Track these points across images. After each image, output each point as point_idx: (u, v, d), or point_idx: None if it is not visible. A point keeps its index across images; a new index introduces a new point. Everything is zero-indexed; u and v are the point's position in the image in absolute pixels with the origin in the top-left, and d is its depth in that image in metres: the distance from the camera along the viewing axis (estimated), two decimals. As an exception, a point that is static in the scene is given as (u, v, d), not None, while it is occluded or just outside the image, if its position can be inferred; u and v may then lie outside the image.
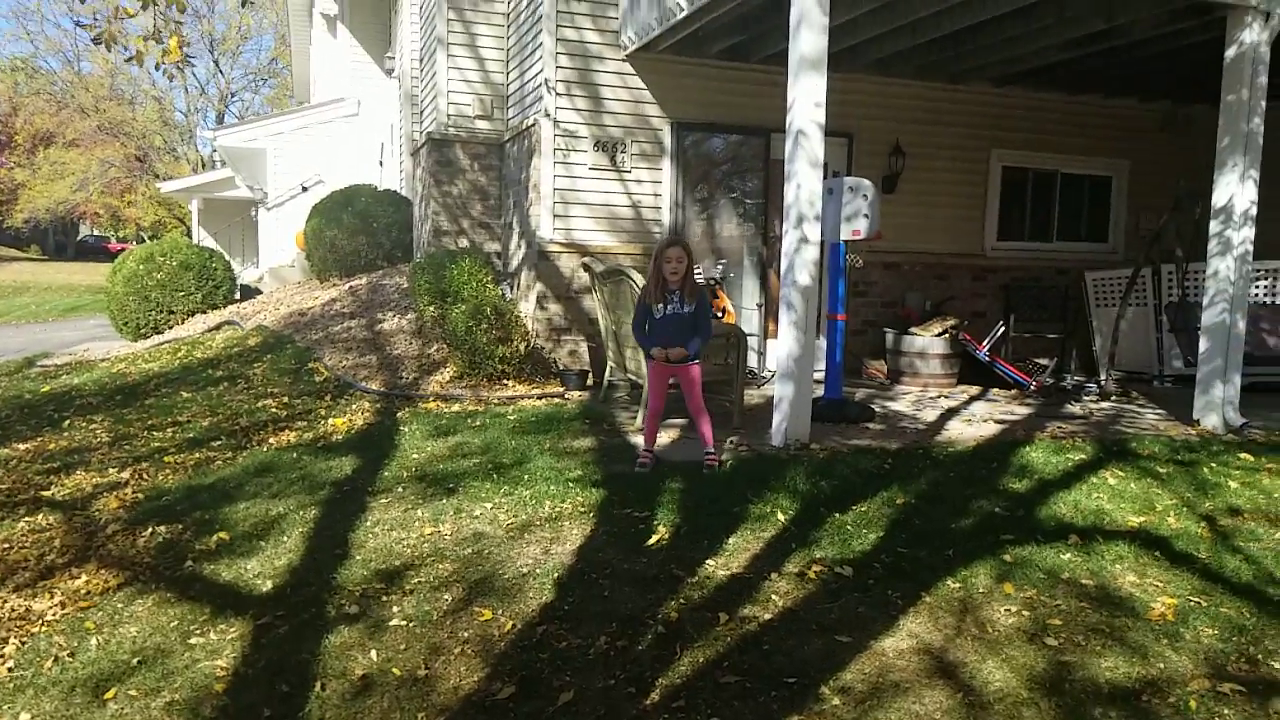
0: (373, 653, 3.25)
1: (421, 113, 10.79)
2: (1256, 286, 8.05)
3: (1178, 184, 7.42)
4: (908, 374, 8.21)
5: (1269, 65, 6.04)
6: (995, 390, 8.11)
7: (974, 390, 8.13)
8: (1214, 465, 5.44)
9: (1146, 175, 9.67)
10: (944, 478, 5.11)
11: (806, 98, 5.08)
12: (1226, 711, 2.94)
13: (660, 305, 4.99)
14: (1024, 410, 7.20)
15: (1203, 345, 6.37)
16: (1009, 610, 3.57)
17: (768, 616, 3.49)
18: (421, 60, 10.71)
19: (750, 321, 8.50)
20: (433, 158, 9.20)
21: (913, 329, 8.23)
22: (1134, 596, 3.71)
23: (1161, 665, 3.21)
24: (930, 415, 6.89)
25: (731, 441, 5.71)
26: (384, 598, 3.66)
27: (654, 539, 4.18)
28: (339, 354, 8.27)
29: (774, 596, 3.65)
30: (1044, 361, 8.54)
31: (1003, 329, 8.40)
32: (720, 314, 7.75)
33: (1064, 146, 9.44)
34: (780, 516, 4.42)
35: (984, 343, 8.09)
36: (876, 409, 6.94)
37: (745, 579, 3.80)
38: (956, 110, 8.95)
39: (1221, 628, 3.47)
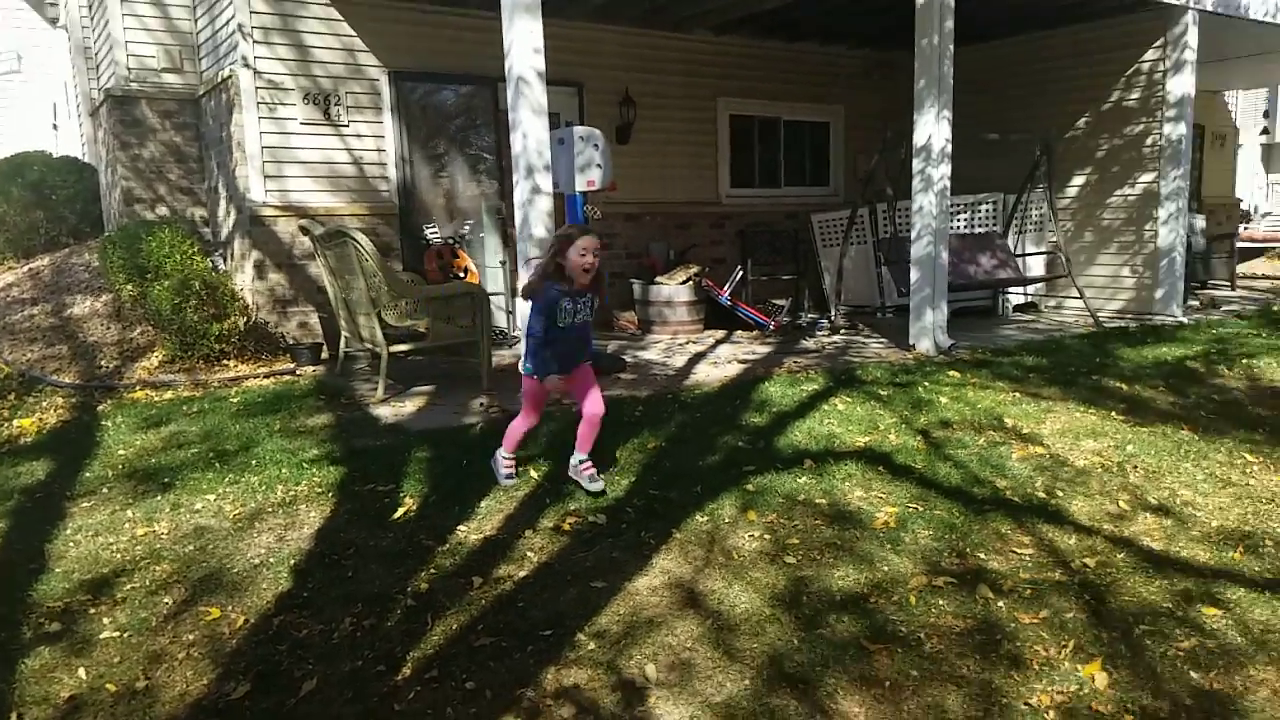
0: (81, 671, 2.93)
1: (98, 67, 9.60)
2: (956, 220, 9.09)
3: (884, 127, 8.19)
4: (657, 323, 8.52)
5: (955, 11, 6.76)
6: (739, 332, 8.63)
7: (719, 334, 8.60)
8: (927, 384, 6.11)
9: (860, 120, 10.59)
10: (691, 419, 5.37)
11: (524, 42, 5.05)
12: (941, 602, 3.34)
13: (568, 309, 4.01)
14: (764, 349, 7.73)
15: (913, 276, 7.12)
16: (752, 536, 3.83)
17: (523, 574, 3.52)
18: (91, 6, 9.51)
19: (496, 280, 8.43)
20: (115, 117, 8.24)
21: (659, 278, 8.54)
22: (861, 510, 4.11)
23: (886, 569, 3.58)
24: (679, 361, 7.21)
25: (481, 404, 5.66)
26: (91, 610, 3.30)
27: (400, 512, 4.07)
28: (21, 346, 7.28)
29: (529, 553, 3.68)
30: (781, 302, 9.18)
31: (741, 273, 8.93)
32: (463, 274, 7.61)
33: (785, 94, 10.11)
34: (534, 474, 4.45)
35: (725, 288, 8.56)
36: (628, 359, 7.15)
37: (499, 540, 3.80)
38: (682, 59, 9.29)
39: (936, 529, 3.93)
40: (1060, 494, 4.36)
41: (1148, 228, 8.77)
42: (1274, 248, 16.00)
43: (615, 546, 3.72)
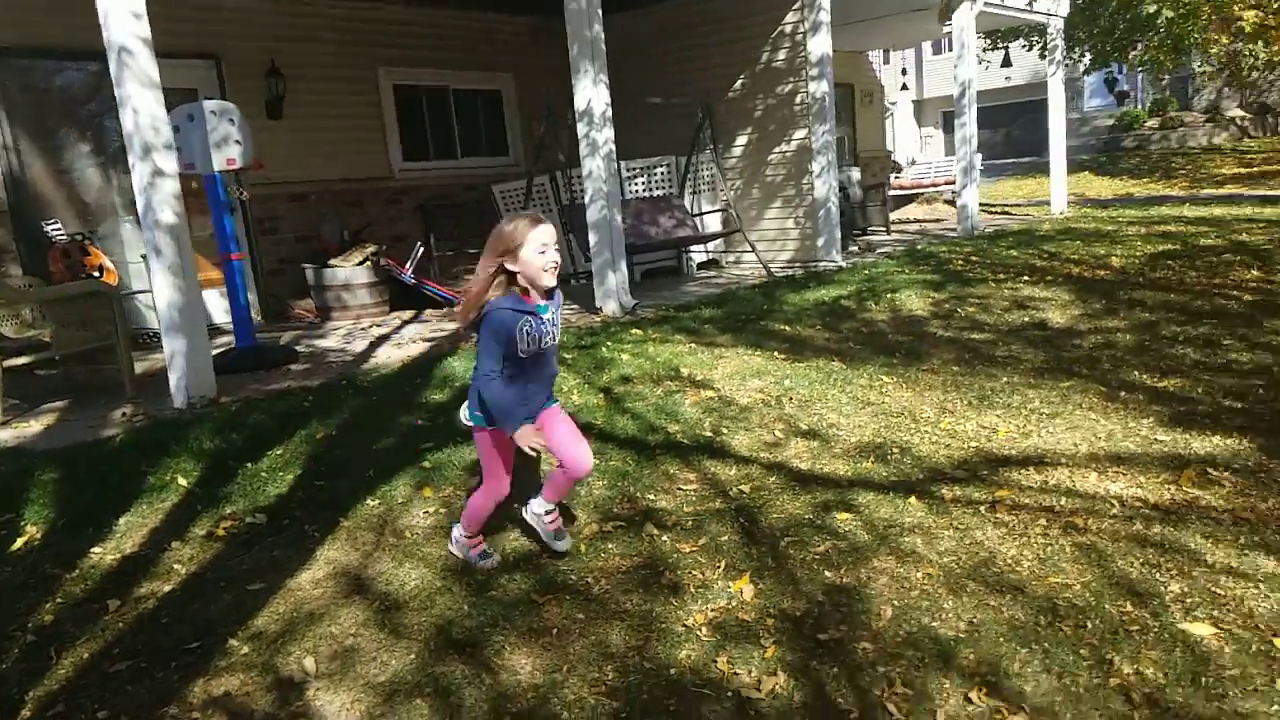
0: None
1: None
2: (635, 183, 9.55)
3: (547, 93, 8.40)
4: (337, 308, 8.22)
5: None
6: (429, 311, 8.54)
7: (407, 315, 8.46)
8: (610, 344, 6.40)
9: (531, 87, 10.76)
10: (368, 403, 5.26)
11: (120, 8, 4.61)
12: (610, 546, 3.54)
13: (531, 332, 2.97)
14: (453, 325, 7.70)
15: (592, 240, 7.40)
16: (427, 513, 3.84)
17: (168, 589, 3.29)
18: None
19: (143, 276, 7.71)
20: None
21: (333, 261, 8.23)
22: (543, 472, 4.24)
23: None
24: (360, 346, 7.01)
25: (123, 414, 5.18)
26: None
27: (21, 542, 3.65)
28: None
29: (176, 566, 3.44)
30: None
31: (422, 249, 8.82)
32: (97, 273, 6.89)
33: (452, 63, 10.05)
34: (183, 481, 4.15)
35: (407, 265, 8.42)
36: (303, 349, 6.85)
37: (141, 557, 3.52)
38: (335, 27, 8.95)
39: (610, 478, 4.15)
40: (725, 431, 4.76)
41: (805, 181, 9.71)
42: (923, 193, 18.31)
43: (276, 545, 3.58)
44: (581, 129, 7.02)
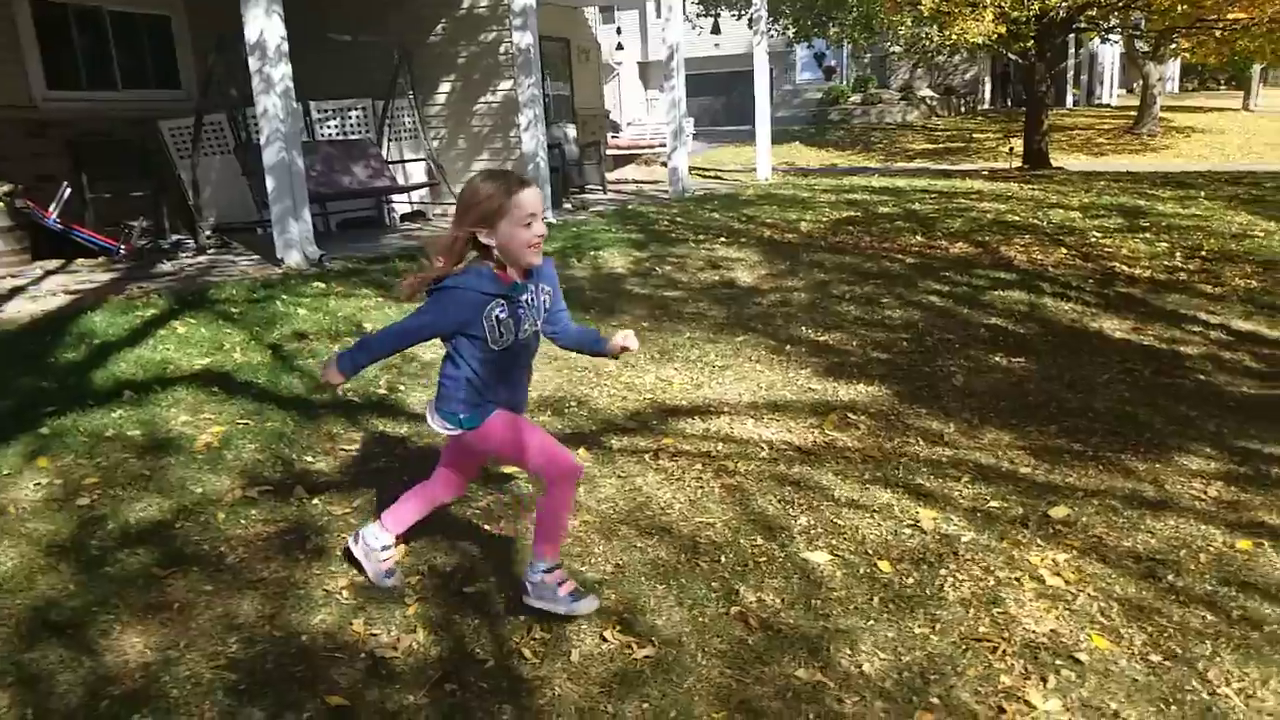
0: None
1: None
2: (327, 126, 9.08)
3: (219, 22, 7.75)
4: (-40, 258, 7.19)
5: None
6: (81, 260, 7.68)
7: (54, 264, 7.56)
8: (287, 298, 6.06)
9: (206, 14, 9.83)
10: (-19, 365, 4.65)
11: None
12: (254, 513, 3.36)
13: (503, 319, 2.49)
14: (108, 276, 6.98)
15: (270, 185, 6.95)
16: (39, 485, 3.46)
17: None
18: None
19: None
20: None
21: (-46, 201, 7.18)
22: (184, 435, 3.94)
23: (199, 490, 3.49)
24: (-16, 301, 6.18)
25: None
26: None
27: None
28: None
29: None
30: (136, 223, 8.35)
31: (69, 190, 7.89)
32: None
33: (108, -22, 9.03)
34: None
35: (51, 208, 7.51)
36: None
37: None
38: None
39: (264, 440, 3.94)
40: (402, 388, 4.67)
41: (513, 134, 9.70)
42: (642, 154, 18.89)
43: None
44: (254, 63, 6.54)
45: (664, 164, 16.93)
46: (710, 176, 16.98)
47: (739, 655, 2.66)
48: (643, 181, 16.38)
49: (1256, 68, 32.04)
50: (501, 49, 9.43)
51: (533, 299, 2.54)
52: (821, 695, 2.50)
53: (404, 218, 10.18)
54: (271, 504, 3.43)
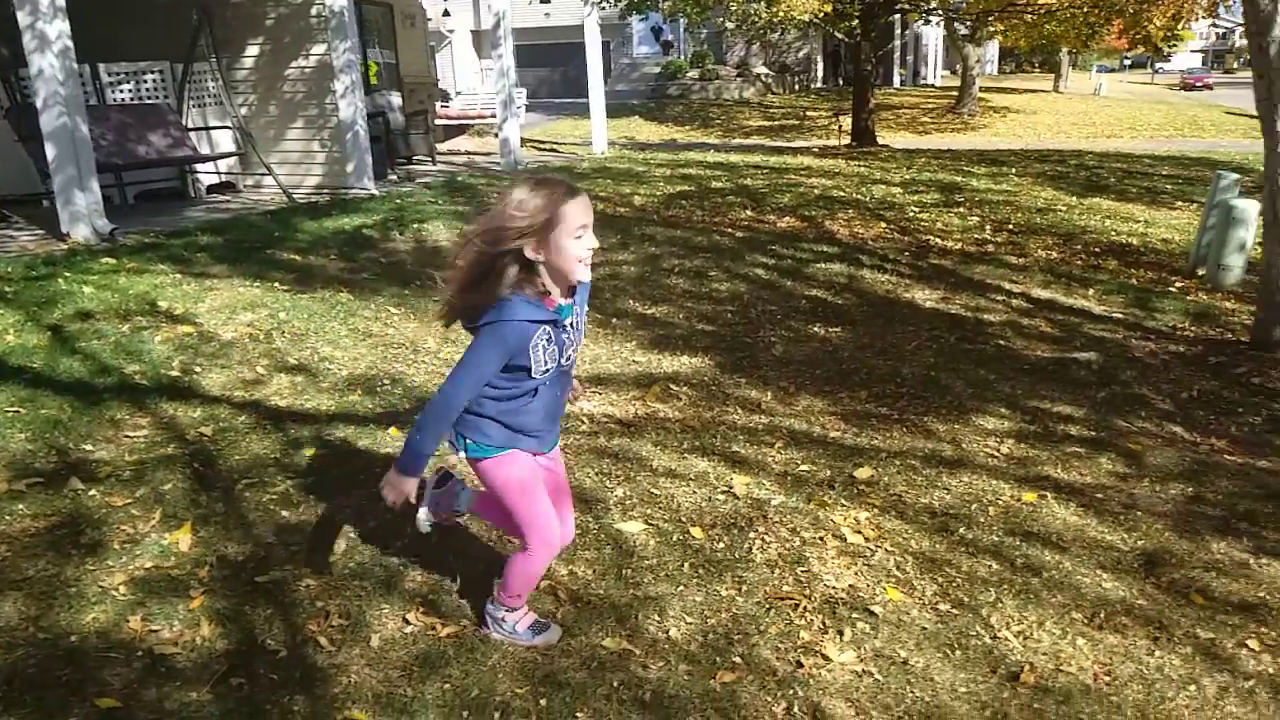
0: None
1: None
2: (120, 90, 8.47)
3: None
4: None
5: None
6: None
7: None
8: (71, 275, 5.63)
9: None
10: None
11: None
12: (20, 507, 3.12)
13: (548, 347, 2.26)
14: None
15: (51, 153, 6.43)
16: None
17: None
18: None
19: None
20: None
21: None
22: (-61, 425, 3.62)
23: (-45, 485, 3.22)
24: None
25: None
26: None
27: None
28: None
29: None
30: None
31: None
32: None
33: None
34: None
35: None
36: None
37: None
38: None
39: (38, 429, 3.65)
40: (198, 370, 4.43)
41: (329, 101, 9.30)
42: (473, 124, 18.55)
43: None
44: (24, 18, 6.00)
45: (497, 135, 16.72)
46: (546, 149, 16.87)
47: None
48: (475, 153, 16.11)
49: (1065, 52, 34.53)
50: (313, 11, 9.01)
51: (576, 322, 2.34)
52: (627, 663, 2.54)
53: (211, 189, 9.63)
54: (42, 497, 3.19)
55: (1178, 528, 3.35)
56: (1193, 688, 2.51)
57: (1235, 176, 7.35)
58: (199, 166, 9.20)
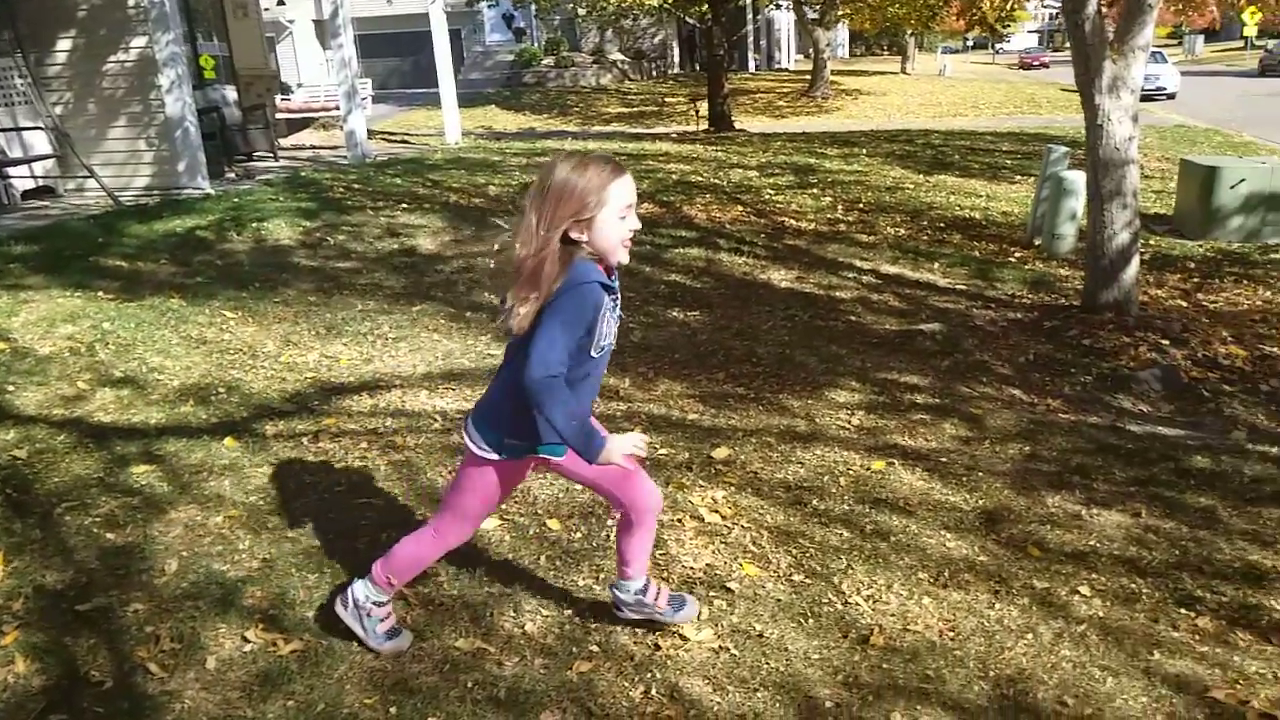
0: None
1: None
2: (-88, 89, 7.81)
3: None
4: None
5: None
6: None
7: None
8: None
9: None
10: None
11: None
12: None
13: (612, 312, 2.18)
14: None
15: None
16: None
17: None
18: None
19: None
20: None
21: None
22: None
23: None
24: None
25: None
26: None
27: None
28: None
29: None
30: None
31: None
32: None
33: None
34: None
35: None
36: None
37: None
38: None
39: None
40: (11, 389, 4.15)
41: (153, 97, 8.82)
42: (318, 117, 17.94)
43: None
44: None
45: (343, 128, 16.27)
46: (398, 141, 16.51)
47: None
48: (321, 147, 15.60)
49: (909, 34, 35.96)
50: (131, 1, 8.52)
51: (618, 298, 2.25)
52: (482, 662, 2.51)
53: (27, 195, 9.00)
54: None
55: (1016, 485, 3.53)
56: (1030, 636, 2.65)
57: (1065, 150, 7.81)
58: (11, 171, 8.60)
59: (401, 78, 32.52)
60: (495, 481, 2.34)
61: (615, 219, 2.09)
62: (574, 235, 2.08)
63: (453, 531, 2.44)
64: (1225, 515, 3.33)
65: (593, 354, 2.17)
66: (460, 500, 2.39)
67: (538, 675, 2.47)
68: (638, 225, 2.16)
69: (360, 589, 2.50)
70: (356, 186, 9.58)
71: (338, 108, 13.01)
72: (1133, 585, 2.89)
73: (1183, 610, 2.77)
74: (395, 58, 32.74)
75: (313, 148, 15.67)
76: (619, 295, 2.22)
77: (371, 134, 15.09)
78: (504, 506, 3.30)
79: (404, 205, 8.48)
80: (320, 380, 4.48)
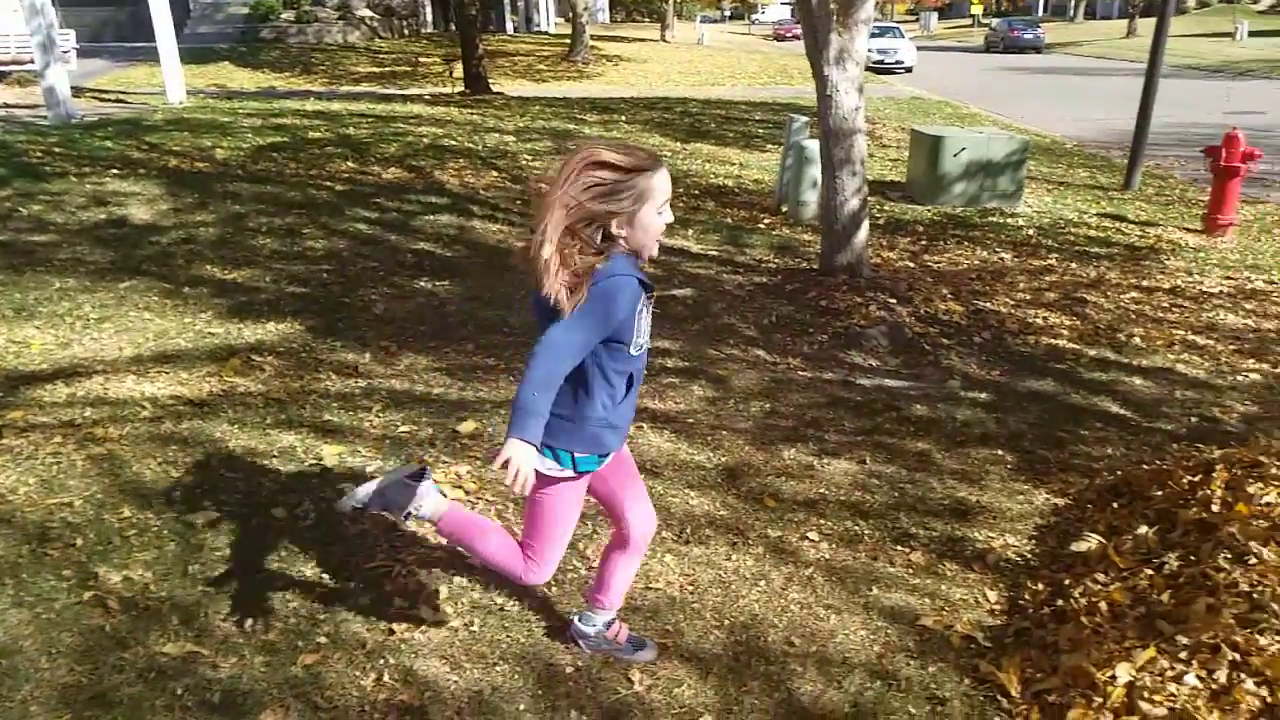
0: None
1: None
2: None
3: None
4: None
5: None
6: None
7: None
8: None
9: None
10: None
11: None
12: None
13: (646, 311, 2.06)
14: None
15: None
16: None
17: None
18: None
19: None
20: None
21: None
22: None
23: None
24: None
25: None
26: None
27: None
28: None
29: None
30: None
31: None
32: None
33: None
34: None
35: None
36: None
37: None
38: None
39: None
40: None
41: None
42: (10, 71, 16.13)
43: None
44: None
45: (41, 84, 14.76)
46: (112, 100, 15.11)
47: (93, 646, 2.41)
48: (16, 106, 14.05)
49: (669, 3, 36.77)
50: None
51: (653, 294, 2.15)
52: (194, 666, 2.36)
53: None
54: None
55: (756, 441, 3.71)
56: (763, 583, 2.80)
57: (806, 119, 8.24)
58: None
59: (118, 29, 29.78)
60: (569, 497, 2.25)
61: (655, 214, 2.03)
62: (614, 229, 2.01)
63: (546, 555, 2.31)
64: (939, 458, 3.65)
65: (631, 352, 2.10)
66: (541, 526, 2.31)
67: (258, 674, 2.35)
68: (671, 218, 2.09)
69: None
70: (58, 150, 8.70)
71: (32, 61, 11.74)
72: (856, 527, 3.12)
73: (899, 547, 3.02)
74: (109, 7, 29.93)
75: (4, 105, 14.09)
76: (654, 292, 2.15)
77: (79, 92, 13.78)
78: (222, 498, 3.12)
79: (115, 171, 7.79)
80: (6, 369, 4.04)
